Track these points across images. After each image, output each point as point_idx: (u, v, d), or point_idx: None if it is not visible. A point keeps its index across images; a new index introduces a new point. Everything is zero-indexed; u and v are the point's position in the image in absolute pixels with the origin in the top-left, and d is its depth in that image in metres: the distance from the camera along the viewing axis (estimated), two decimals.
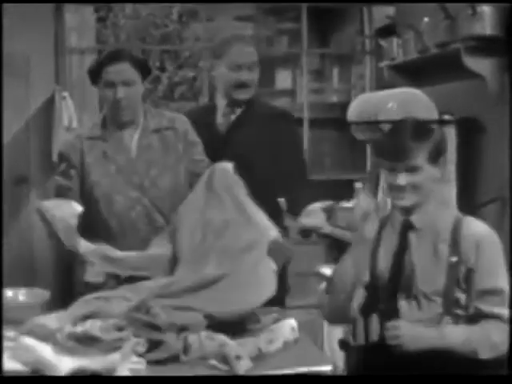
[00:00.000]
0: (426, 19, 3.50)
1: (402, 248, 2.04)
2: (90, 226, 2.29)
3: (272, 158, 2.62)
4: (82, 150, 2.36)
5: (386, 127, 3.47)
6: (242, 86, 2.64)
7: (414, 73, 3.92)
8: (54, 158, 3.69)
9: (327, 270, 3.29)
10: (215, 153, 2.50)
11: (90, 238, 2.21)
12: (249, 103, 2.69)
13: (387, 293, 2.04)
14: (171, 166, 2.39)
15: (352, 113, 3.89)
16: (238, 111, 2.69)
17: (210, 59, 2.73)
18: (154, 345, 1.73)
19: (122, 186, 2.32)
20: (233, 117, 2.69)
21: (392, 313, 2.00)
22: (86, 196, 2.33)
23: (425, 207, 2.04)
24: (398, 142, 2.03)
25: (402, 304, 2.01)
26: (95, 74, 2.34)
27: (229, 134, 2.67)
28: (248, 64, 2.65)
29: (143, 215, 2.33)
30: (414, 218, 2.05)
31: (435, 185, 2.05)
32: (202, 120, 2.66)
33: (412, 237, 2.05)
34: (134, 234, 2.30)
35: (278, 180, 2.62)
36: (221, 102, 2.72)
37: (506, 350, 1.92)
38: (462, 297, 1.98)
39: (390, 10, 4.29)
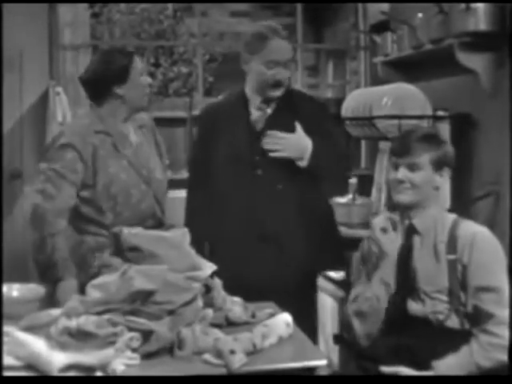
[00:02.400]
0: (420, 15, 3.51)
1: (407, 251, 2.11)
2: (103, 219, 2.36)
3: (314, 149, 2.51)
4: (93, 143, 2.35)
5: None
6: (276, 84, 2.51)
7: (408, 68, 3.92)
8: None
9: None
10: (253, 149, 2.50)
11: (99, 227, 2.35)
12: (285, 95, 2.57)
13: (395, 293, 2.11)
14: (157, 159, 2.52)
15: (346, 108, 3.90)
16: (273, 105, 2.58)
17: (244, 53, 2.56)
18: (144, 337, 1.73)
19: (135, 179, 2.39)
20: (269, 111, 2.58)
21: (400, 311, 2.07)
22: (103, 189, 2.34)
23: (427, 212, 2.11)
24: (404, 139, 2.15)
25: (409, 302, 2.07)
26: (127, 69, 2.37)
27: (266, 129, 2.54)
28: (284, 61, 2.51)
29: (150, 207, 2.42)
30: (417, 223, 2.11)
31: (436, 191, 2.13)
32: (235, 113, 2.59)
33: (416, 240, 2.11)
34: (141, 225, 2.29)
35: (318, 172, 2.55)
36: (253, 97, 2.58)
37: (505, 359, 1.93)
38: (461, 294, 2.02)
39: (384, 5, 4.29)
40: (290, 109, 2.55)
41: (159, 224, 2.46)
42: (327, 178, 2.64)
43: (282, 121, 2.54)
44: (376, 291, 2.09)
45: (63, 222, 2.32)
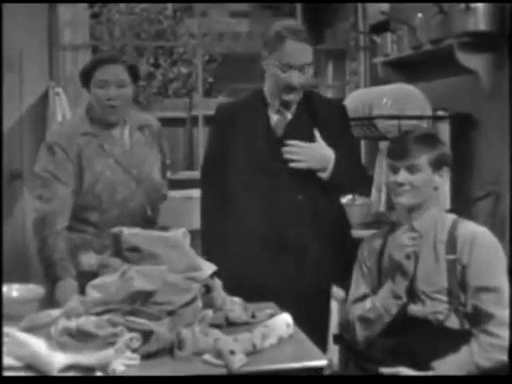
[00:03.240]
0: (419, 15, 3.51)
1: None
2: (89, 217, 2.39)
3: (336, 160, 2.39)
4: (78, 144, 2.39)
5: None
6: (289, 88, 2.37)
7: (407, 69, 3.93)
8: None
9: None
10: (272, 156, 2.39)
11: (85, 225, 2.40)
12: (305, 100, 2.45)
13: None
14: (155, 160, 2.53)
15: None
16: (294, 110, 2.45)
17: (264, 51, 2.42)
18: (144, 337, 1.73)
19: (122, 177, 2.40)
20: (289, 116, 2.45)
21: (400, 312, 2.07)
22: (89, 188, 2.38)
23: (427, 213, 2.11)
24: (401, 141, 2.13)
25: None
26: (88, 75, 2.40)
27: (286, 136, 2.41)
28: (300, 65, 2.35)
29: (139, 206, 2.43)
30: (417, 224, 2.11)
31: (435, 192, 2.12)
32: (254, 116, 2.47)
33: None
34: (129, 224, 2.28)
35: (340, 184, 2.45)
36: (272, 99, 2.45)
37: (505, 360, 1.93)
38: (461, 294, 2.02)
39: (384, 5, 4.29)
40: (310, 114, 2.44)
41: (149, 224, 2.44)
42: (348, 188, 2.57)
43: (302, 127, 2.43)
44: (385, 303, 2.08)
45: (63, 222, 2.36)
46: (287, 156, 2.37)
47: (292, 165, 2.37)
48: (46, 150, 2.40)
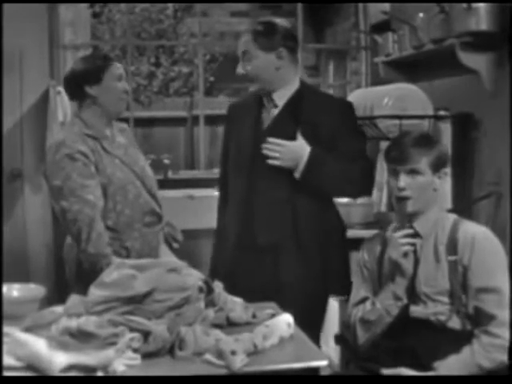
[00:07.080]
0: (421, 15, 3.50)
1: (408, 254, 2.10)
2: (106, 222, 2.33)
3: (309, 162, 2.34)
4: (90, 147, 2.36)
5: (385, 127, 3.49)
6: (243, 77, 2.41)
7: (409, 68, 3.92)
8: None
9: None
10: (255, 153, 2.40)
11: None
12: (298, 95, 2.43)
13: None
14: (144, 159, 2.56)
15: None
16: (282, 104, 2.43)
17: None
18: (145, 337, 1.72)
19: (130, 176, 2.41)
20: (275, 111, 2.44)
21: (402, 313, 2.07)
22: (102, 191, 2.33)
23: (427, 215, 2.11)
24: (400, 145, 2.12)
25: (410, 305, 2.07)
26: (103, 69, 2.39)
27: (270, 131, 2.41)
28: (241, 55, 2.40)
29: (147, 203, 2.43)
30: (418, 226, 2.11)
31: (435, 193, 2.12)
32: (248, 113, 2.49)
33: (417, 243, 2.11)
34: (141, 221, 2.41)
35: (315, 187, 2.38)
36: (264, 96, 2.48)
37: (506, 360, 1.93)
38: (462, 295, 2.02)
39: (385, 5, 4.29)
40: (296, 111, 2.40)
41: (159, 219, 2.48)
42: (331, 190, 2.45)
43: (286, 123, 2.41)
44: (386, 304, 2.08)
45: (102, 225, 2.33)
46: (265, 152, 2.36)
47: (268, 161, 2.36)
48: (65, 160, 2.29)
